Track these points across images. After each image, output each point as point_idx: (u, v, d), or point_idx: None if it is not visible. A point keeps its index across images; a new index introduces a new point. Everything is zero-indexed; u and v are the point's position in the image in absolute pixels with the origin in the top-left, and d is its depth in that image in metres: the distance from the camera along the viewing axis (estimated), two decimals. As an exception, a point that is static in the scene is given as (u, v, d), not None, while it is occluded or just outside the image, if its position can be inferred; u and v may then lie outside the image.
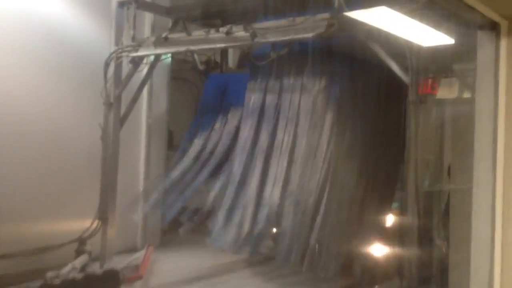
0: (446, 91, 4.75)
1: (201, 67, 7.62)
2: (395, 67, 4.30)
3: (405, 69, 4.29)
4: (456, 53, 4.43)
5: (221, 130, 6.46)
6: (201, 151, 6.46)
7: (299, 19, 4.65)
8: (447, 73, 4.69)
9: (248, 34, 4.90)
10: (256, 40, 4.87)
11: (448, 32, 3.81)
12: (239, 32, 5.03)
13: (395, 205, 6.25)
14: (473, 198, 3.93)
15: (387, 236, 5.78)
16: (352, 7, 3.65)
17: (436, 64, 4.65)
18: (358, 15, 3.40)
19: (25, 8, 6.13)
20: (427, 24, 3.60)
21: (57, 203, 6.41)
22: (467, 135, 3.93)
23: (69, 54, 6.52)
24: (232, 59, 9.39)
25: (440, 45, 4.01)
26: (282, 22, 4.80)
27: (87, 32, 6.70)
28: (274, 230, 5.75)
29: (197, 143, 6.53)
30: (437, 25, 3.71)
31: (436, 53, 4.32)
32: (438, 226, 5.49)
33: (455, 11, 3.60)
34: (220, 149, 6.32)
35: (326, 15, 4.41)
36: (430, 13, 3.61)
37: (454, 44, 3.97)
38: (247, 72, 6.31)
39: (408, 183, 4.30)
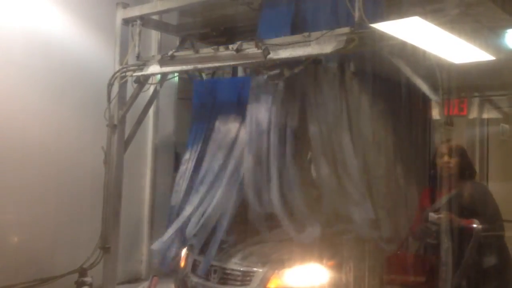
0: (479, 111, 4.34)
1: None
2: (423, 85, 3.93)
3: (434, 88, 3.92)
4: (491, 71, 4.05)
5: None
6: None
7: (315, 34, 4.31)
8: (480, 92, 4.28)
9: (260, 51, 4.57)
10: (269, 57, 4.54)
11: (484, 48, 3.44)
12: (250, 49, 4.70)
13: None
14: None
15: None
16: (373, 20, 3.32)
17: (467, 83, 4.25)
18: (386, 27, 3.05)
19: (25, 25, 5.90)
20: (461, 38, 3.24)
21: (57, 231, 6.15)
22: None
23: (71, 73, 6.30)
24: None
25: (473, 62, 3.64)
26: (296, 37, 4.47)
27: (90, 51, 6.48)
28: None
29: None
30: (471, 40, 3.35)
31: (467, 70, 3.95)
32: None
33: (491, 24, 3.26)
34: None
35: (345, 29, 4.07)
36: (464, 26, 3.26)
37: (488, 60, 3.60)
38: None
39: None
